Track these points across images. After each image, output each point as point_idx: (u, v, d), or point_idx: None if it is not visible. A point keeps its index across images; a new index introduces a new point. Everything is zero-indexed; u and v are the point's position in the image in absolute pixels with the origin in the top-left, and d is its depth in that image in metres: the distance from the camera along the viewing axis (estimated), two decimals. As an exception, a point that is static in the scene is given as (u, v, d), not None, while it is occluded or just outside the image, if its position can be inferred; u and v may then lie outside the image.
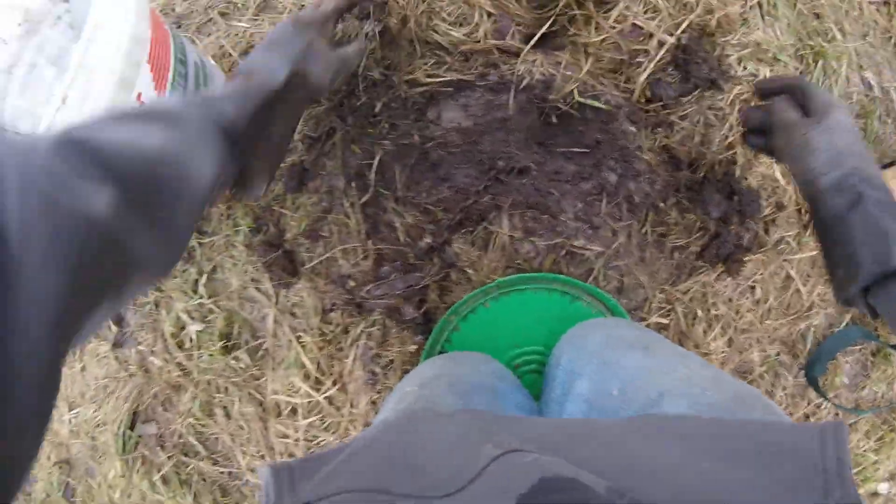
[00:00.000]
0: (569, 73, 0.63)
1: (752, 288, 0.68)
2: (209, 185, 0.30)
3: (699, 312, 0.66)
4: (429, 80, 0.62)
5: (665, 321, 0.64)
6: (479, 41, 0.63)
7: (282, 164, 0.65)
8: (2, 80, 0.63)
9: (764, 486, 0.21)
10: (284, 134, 0.44)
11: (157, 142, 0.26)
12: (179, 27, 0.76)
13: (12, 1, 0.64)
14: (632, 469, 0.24)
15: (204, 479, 0.75)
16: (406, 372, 0.61)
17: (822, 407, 0.75)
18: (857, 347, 0.75)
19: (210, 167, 0.31)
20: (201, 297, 0.65)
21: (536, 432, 0.28)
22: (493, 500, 0.21)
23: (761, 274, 0.67)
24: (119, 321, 0.72)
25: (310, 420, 0.65)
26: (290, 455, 0.68)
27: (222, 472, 0.73)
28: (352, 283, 0.60)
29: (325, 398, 0.63)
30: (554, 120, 0.63)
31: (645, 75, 0.63)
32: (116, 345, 0.72)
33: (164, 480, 0.77)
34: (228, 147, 0.34)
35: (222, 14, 0.74)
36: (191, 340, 0.67)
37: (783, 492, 0.21)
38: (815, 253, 0.69)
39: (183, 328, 0.67)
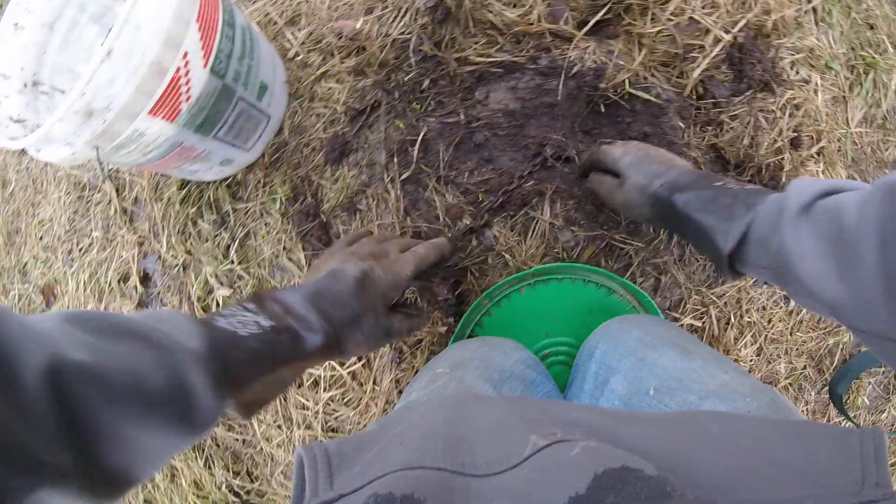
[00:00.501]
0: (621, 62, 0.62)
1: (786, 298, 0.67)
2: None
3: (732, 318, 0.65)
4: (479, 59, 0.61)
5: (698, 323, 0.64)
6: (532, 24, 0.61)
7: (323, 135, 0.65)
8: (43, 35, 0.62)
9: (805, 469, 0.21)
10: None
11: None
12: (225, -11, 0.75)
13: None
14: (675, 450, 0.23)
15: (217, 445, 0.75)
16: (434, 353, 0.61)
17: (842, 425, 0.75)
18: (882, 369, 0.74)
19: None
20: (231, 263, 0.65)
21: (578, 416, 0.28)
22: (542, 491, 0.20)
23: (798, 283, 0.66)
24: (145, 280, 0.71)
25: (331, 394, 0.64)
26: (308, 427, 0.67)
27: (236, 439, 0.73)
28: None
29: (349, 373, 0.63)
30: (602, 109, 0.62)
31: (698, 71, 0.62)
32: (141, 304, 0.72)
33: (177, 443, 0.77)
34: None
35: (269, -20, 0.73)
36: (217, 305, 0.66)
37: (823, 474, 0.21)
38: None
39: (210, 292, 0.66)
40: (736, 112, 0.64)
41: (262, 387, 0.33)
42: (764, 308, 0.67)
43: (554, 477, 0.21)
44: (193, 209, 0.67)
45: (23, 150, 0.91)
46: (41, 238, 0.86)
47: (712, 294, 0.64)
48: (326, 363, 0.64)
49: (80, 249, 0.79)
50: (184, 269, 0.68)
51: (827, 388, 0.71)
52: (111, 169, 0.74)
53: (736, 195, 0.37)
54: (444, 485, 0.21)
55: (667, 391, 0.40)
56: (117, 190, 0.73)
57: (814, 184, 0.32)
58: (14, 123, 0.59)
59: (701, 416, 0.28)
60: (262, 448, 0.72)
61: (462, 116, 0.61)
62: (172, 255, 0.68)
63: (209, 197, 0.66)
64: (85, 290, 0.78)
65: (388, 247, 0.46)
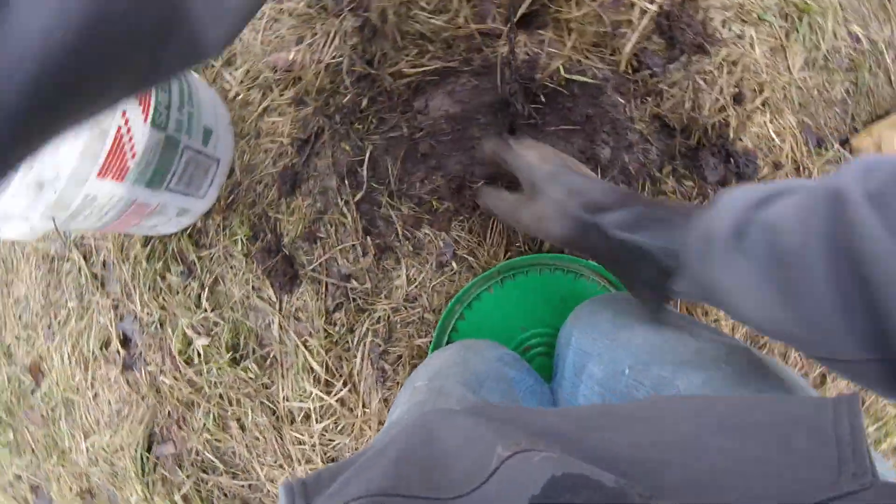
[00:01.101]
0: (553, 50, 0.62)
1: None
2: None
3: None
4: (413, 70, 0.62)
5: (673, 292, 0.64)
6: (460, 27, 0.62)
7: (273, 170, 0.65)
8: None
9: (778, 462, 0.21)
10: None
11: None
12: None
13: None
14: (643, 455, 0.23)
15: (225, 495, 0.75)
16: (415, 367, 0.61)
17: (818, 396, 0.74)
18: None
19: None
20: (205, 311, 0.65)
21: (546, 423, 0.28)
22: (505, 501, 0.20)
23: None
24: (126, 343, 0.71)
25: (324, 424, 0.64)
26: (308, 461, 0.67)
27: (242, 486, 0.73)
28: (354, 283, 0.60)
29: (337, 400, 0.63)
30: (542, 99, 0.62)
31: (630, 46, 0.63)
32: (126, 367, 0.72)
33: (186, 499, 0.76)
34: None
35: None
36: (199, 355, 0.66)
37: (797, 465, 0.20)
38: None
39: (190, 344, 0.66)
40: (673, 79, 0.65)
41: None
42: None
43: (515, 485, 0.21)
44: (160, 264, 0.67)
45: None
46: (20, 317, 0.86)
47: (683, 260, 0.64)
48: (312, 393, 0.64)
49: (59, 322, 0.79)
50: (160, 324, 0.68)
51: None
52: (74, 237, 0.74)
53: (670, 208, 0.33)
54: None
55: (641, 368, 0.40)
56: (84, 257, 0.74)
57: (741, 198, 0.28)
58: None
59: (670, 407, 0.28)
60: (268, 490, 0.72)
61: (405, 129, 0.61)
62: (147, 313, 0.68)
63: (173, 249, 0.67)
64: (70, 363, 0.78)
65: None
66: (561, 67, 0.62)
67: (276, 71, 0.67)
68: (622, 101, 0.64)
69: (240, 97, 0.68)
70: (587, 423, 0.27)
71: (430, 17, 0.63)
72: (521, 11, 0.63)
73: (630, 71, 0.65)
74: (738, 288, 0.28)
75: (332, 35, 0.65)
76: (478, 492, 0.22)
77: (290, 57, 0.66)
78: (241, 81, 0.68)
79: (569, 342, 0.50)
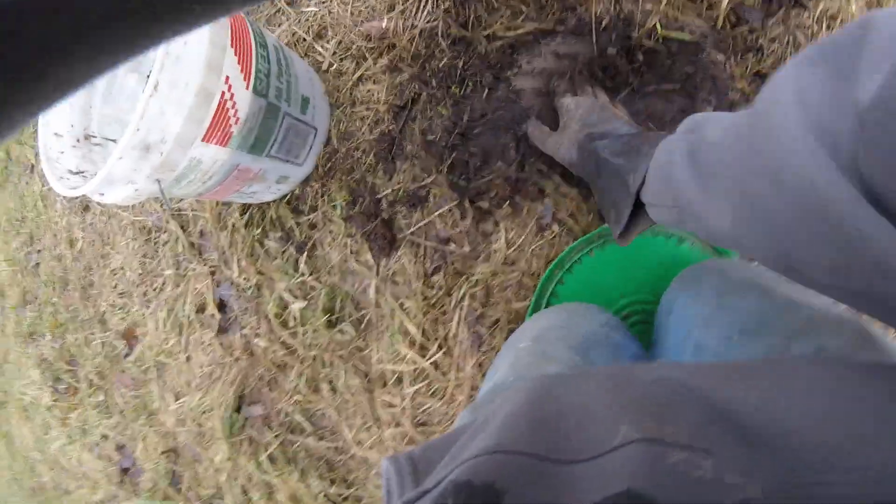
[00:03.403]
0: (648, 7, 0.61)
1: None
2: None
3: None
4: (508, 32, 0.62)
5: (778, 258, 0.61)
6: (555, -12, 0.61)
7: (370, 137, 0.66)
8: (86, 91, 0.66)
9: (885, 419, 0.19)
10: None
11: None
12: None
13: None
14: (770, 422, 0.21)
15: (310, 456, 0.77)
16: (512, 331, 0.61)
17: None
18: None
19: None
20: (303, 275, 0.67)
21: (665, 373, 0.27)
22: (622, 482, 0.19)
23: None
24: (222, 307, 0.74)
25: (416, 387, 0.65)
26: (397, 424, 0.68)
27: (329, 448, 0.75)
28: (453, 246, 0.60)
29: (431, 363, 0.64)
30: (641, 58, 0.61)
31: (726, 1, 0.60)
32: (221, 331, 0.75)
33: (271, 459, 0.79)
34: None
35: (289, 3, 0.76)
36: (294, 318, 0.68)
37: None
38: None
39: (286, 307, 0.68)
40: (773, 34, 0.62)
41: None
42: None
43: (644, 475, 0.19)
44: (258, 231, 0.69)
45: (86, 206, 0.97)
46: (115, 286, 0.91)
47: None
48: (406, 355, 0.65)
49: (155, 289, 0.83)
50: (258, 289, 0.70)
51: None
52: (174, 207, 0.77)
53: (649, 137, 0.38)
54: (529, 471, 0.20)
55: (752, 335, 0.38)
56: (182, 227, 0.77)
57: (685, 124, 0.32)
58: (74, 175, 0.63)
59: (791, 367, 0.27)
60: (354, 453, 0.74)
61: (502, 91, 0.61)
62: (244, 279, 0.71)
63: (271, 216, 0.69)
64: (165, 327, 0.82)
65: None
66: (658, 24, 0.60)
67: (369, 39, 0.68)
68: (722, 58, 0.62)
69: (333, 67, 0.69)
70: (712, 374, 0.26)
71: (525, -20, 0.62)
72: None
73: (728, 27, 0.62)
74: (679, 178, 0.31)
75: (424, 0, 0.65)
76: (595, 462, 0.20)
77: (384, 25, 0.67)
78: (334, 53, 0.70)
79: (671, 309, 0.49)
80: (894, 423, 0.19)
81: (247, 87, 0.57)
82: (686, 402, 0.24)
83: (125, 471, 1.03)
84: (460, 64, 0.62)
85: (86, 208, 0.96)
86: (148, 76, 0.51)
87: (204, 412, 0.84)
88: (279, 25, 0.75)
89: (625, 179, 0.39)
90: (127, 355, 0.93)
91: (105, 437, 1.04)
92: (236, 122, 0.56)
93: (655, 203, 0.37)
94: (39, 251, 1.07)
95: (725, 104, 0.62)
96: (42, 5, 0.09)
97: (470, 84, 0.62)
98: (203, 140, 0.53)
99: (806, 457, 0.19)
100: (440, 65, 0.63)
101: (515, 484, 0.19)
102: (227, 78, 0.54)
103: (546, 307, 0.60)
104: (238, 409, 0.80)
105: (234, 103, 0.56)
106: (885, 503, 0.16)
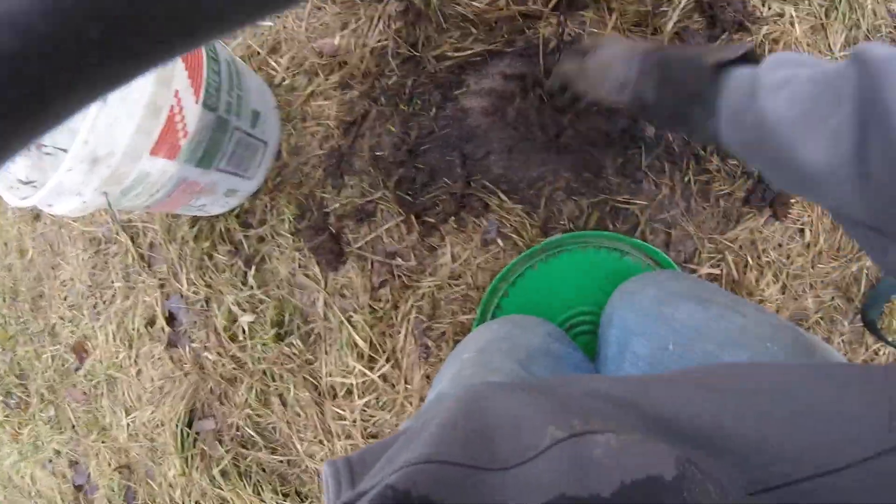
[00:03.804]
0: (594, 30, 0.63)
1: (801, 231, 0.67)
2: None
3: (750, 260, 0.65)
4: (456, 53, 0.63)
5: (716, 272, 0.64)
6: (501, 9, 0.63)
7: (320, 152, 0.66)
8: None
9: (828, 418, 0.21)
10: None
11: None
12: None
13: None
14: (702, 414, 0.23)
15: (263, 470, 0.76)
16: (458, 342, 0.62)
17: (881, 352, 0.73)
18: (913, 288, 0.73)
19: None
20: (251, 289, 0.66)
21: (598, 386, 0.27)
22: (561, 485, 0.19)
23: (809, 215, 0.66)
24: (171, 321, 0.73)
25: (366, 399, 0.65)
26: (348, 437, 0.68)
27: (281, 461, 0.74)
28: (400, 260, 0.61)
29: (380, 376, 0.64)
30: (584, 79, 0.62)
31: (671, 24, 0.63)
32: (170, 344, 0.74)
33: (224, 474, 0.78)
34: None
35: (244, 13, 0.76)
36: (243, 332, 0.68)
37: (848, 421, 0.20)
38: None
39: (235, 321, 0.68)
40: (716, 59, 0.65)
41: None
42: (780, 245, 0.67)
43: (575, 475, 0.20)
44: (207, 244, 0.69)
45: (36, 215, 0.94)
46: (65, 298, 0.89)
47: (725, 239, 0.64)
48: (355, 368, 0.65)
49: (105, 302, 0.81)
50: (206, 302, 0.70)
51: (859, 315, 0.71)
52: (123, 218, 0.76)
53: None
54: (462, 482, 0.21)
55: (686, 344, 0.40)
56: (132, 238, 0.76)
57: (793, 57, 0.31)
58: (23, 185, 0.61)
59: (721, 368, 0.28)
60: (306, 466, 0.73)
61: (450, 109, 0.62)
62: (193, 292, 0.70)
63: (220, 229, 0.69)
64: (115, 340, 0.80)
65: None
66: (603, 48, 0.62)
67: (322, 56, 0.68)
68: (664, 81, 0.64)
69: (286, 83, 0.70)
70: (641, 384, 0.27)
71: (473, 0, 0.63)
72: (562, -7, 0.63)
73: (672, 52, 0.65)
74: (777, 116, 0.29)
75: (375, 19, 0.66)
76: (525, 466, 0.21)
77: (336, 42, 0.68)
78: (287, 68, 0.70)
79: (611, 320, 0.50)
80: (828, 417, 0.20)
81: (196, 101, 0.56)
82: (615, 410, 0.24)
83: (79, 488, 1.00)
84: (409, 82, 0.63)
85: (37, 217, 0.93)
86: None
87: (156, 427, 0.83)
88: (234, 38, 0.75)
89: (706, 104, 0.36)
90: (77, 369, 0.91)
91: (58, 452, 1.01)
92: (185, 136, 0.56)
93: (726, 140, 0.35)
94: (-11, 261, 1.04)
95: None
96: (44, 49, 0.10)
97: (418, 102, 0.63)
98: (151, 153, 0.53)
99: (750, 457, 0.20)
100: (390, 83, 0.64)
101: (450, 495, 0.20)
102: (177, 91, 0.54)
103: (491, 319, 0.61)
104: (189, 424, 0.79)
105: (183, 116, 0.56)
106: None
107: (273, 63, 0.71)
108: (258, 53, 0.72)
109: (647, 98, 0.41)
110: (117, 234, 0.78)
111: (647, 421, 0.23)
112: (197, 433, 0.78)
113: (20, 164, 0.63)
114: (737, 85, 0.34)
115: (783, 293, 0.67)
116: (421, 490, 0.20)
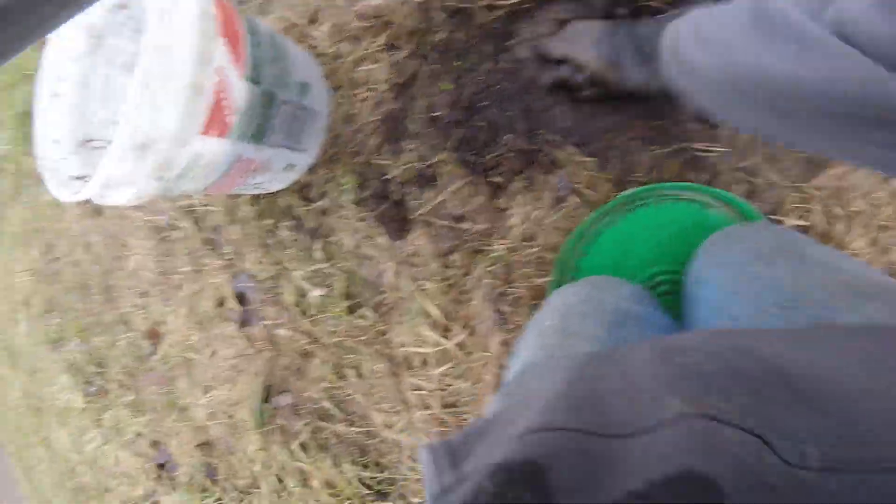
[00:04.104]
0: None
1: (887, 177, 0.61)
2: None
3: (838, 210, 0.60)
4: (506, 1, 0.59)
5: (804, 223, 0.59)
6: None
7: (373, 118, 0.64)
8: (80, 95, 0.65)
9: None
10: None
11: None
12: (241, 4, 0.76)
13: (74, 20, 0.65)
14: (822, 369, 0.21)
15: (341, 441, 0.78)
16: (535, 308, 0.60)
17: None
18: None
19: None
20: (318, 263, 0.66)
21: (704, 340, 0.25)
22: (691, 459, 0.18)
23: None
24: (241, 300, 0.75)
25: (442, 369, 0.65)
26: (426, 407, 0.69)
27: (359, 433, 0.76)
28: (467, 224, 0.59)
29: (456, 345, 0.63)
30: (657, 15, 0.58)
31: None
32: (243, 323, 0.75)
33: (303, 447, 0.81)
34: None
35: (279, -14, 0.73)
36: (314, 306, 0.68)
37: None
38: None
39: (304, 296, 0.68)
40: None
41: None
42: (868, 193, 0.61)
43: (705, 452, 0.18)
44: (270, 221, 0.69)
45: (97, 210, 0.97)
46: (135, 287, 0.92)
47: (812, 188, 0.59)
48: (430, 337, 0.65)
49: (173, 287, 0.84)
50: (274, 279, 0.71)
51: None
52: (184, 203, 0.77)
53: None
54: (575, 447, 0.19)
55: (790, 306, 0.37)
56: (195, 222, 0.77)
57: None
58: (75, 181, 0.62)
59: (836, 330, 0.25)
60: (385, 437, 0.75)
61: (505, 62, 0.59)
62: (261, 270, 0.71)
63: (281, 206, 0.68)
64: (187, 323, 0.83)
65: None
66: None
67: (364, 19, 0.65)
68: None
69: (330, 51, 0.67)
70: (755, 336, 0.25)
71: (525, -60, 0.59)
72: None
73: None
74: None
75: None
76: (646, 437, 0.20)
77: (378, 2, 0.65)
78: (329, 35, 0.68)
79: (699, 279, 0.47)
80: None
81: (240, 76, 0.55)
82: (737, 371, 0.22)
83: (161, 466, 1.06)
84: (460, 36, 0.60)
85: (97, 212, 0.96)
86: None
87: (233, 404, 0.86)
88: (271, 14, 0.72)
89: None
90: (152, 354, 0.95)
91: (139, 434, 1.07)
92: (233, 112, 0.55)
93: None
94: (58, 258, 1.08)
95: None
96: None
97: (471, 56, 0.60)
98: (202, 134, 0.52)
99: (865, 427, 0.17)
100: (438, 39, 0.60)
101: (560, 460, 0.18)
102: (221, 69, 0.52)
103: (568, 282, 0.59)
104: (267, 400, 0.81)
105: (230, 93, 0.54)
106: None
107: (314, 33, 0.68)
108: (296, 25, 0.70)
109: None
110: (179, 219, 0.79)
111: (767, 380, 0.21)
112: (274, 408, 0.81)
113: (72, 161, 0.64)
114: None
115: (873, 245, 0.62)
116: (526, 455, 0.19)
